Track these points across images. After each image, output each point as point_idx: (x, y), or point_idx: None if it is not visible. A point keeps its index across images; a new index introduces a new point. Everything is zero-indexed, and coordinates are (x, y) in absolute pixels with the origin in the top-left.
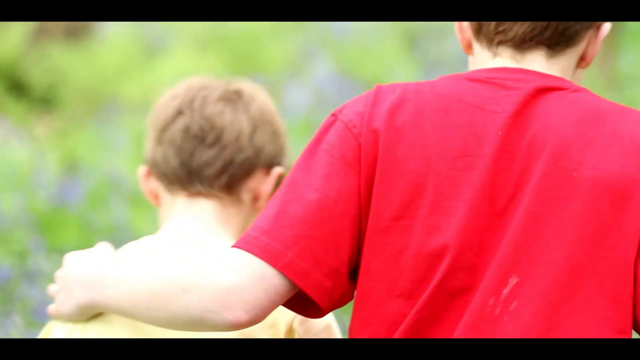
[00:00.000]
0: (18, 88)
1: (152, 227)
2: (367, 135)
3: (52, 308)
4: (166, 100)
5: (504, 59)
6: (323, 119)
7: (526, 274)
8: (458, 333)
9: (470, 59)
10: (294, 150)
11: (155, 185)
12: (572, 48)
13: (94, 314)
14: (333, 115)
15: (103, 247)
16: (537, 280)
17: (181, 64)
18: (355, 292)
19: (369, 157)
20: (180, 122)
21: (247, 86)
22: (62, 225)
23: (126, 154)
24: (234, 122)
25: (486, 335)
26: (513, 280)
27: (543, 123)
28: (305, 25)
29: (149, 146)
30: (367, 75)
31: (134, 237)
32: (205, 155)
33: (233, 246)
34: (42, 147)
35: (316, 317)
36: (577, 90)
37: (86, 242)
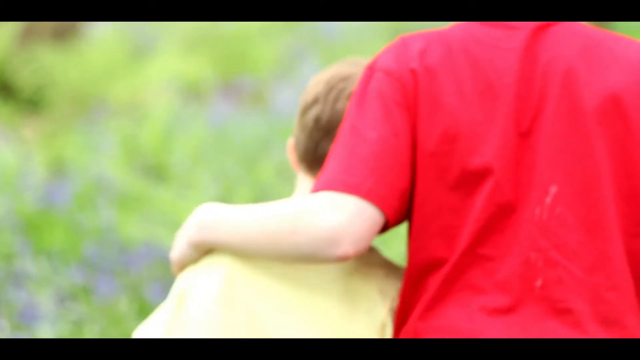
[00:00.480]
0: (5, 89)
1: (140, 230)
2: (406, 76)
3: (172, 259)
4: (313, 83)
5: None
6: None
7: (563, 183)
8: (517, 243)
9: None
10: (281, 150)
11: (294, 157)
12: None
13: (203, 252)
14: (370, 68)
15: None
16: (573, 186)
17: (169, 65)
18: (412, 210)
19: (411, 94)
20: (314, 111)
21: None
22: (49, 228)
23: (114, 156)
24: None
25: (541, 239)
26: (553, 190)
27: (552, 53)
28: (294, 26)
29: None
30: None
31: (122, 240)
32: (328, 147)
33: (321, 189)
34: (30, 149)
35: (378, 234)
36: (573, 23)
37: (73, 245)
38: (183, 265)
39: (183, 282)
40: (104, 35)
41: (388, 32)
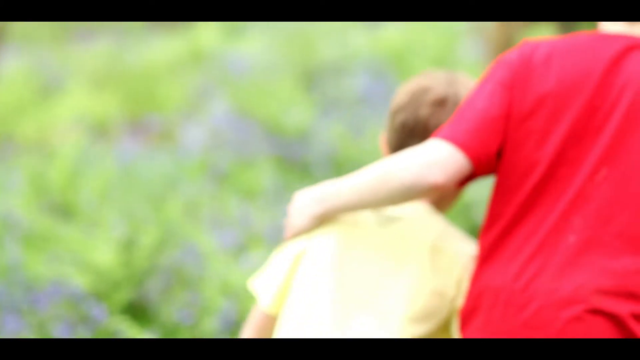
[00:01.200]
0: None
1: (47, 268)
2: (516, 64)
3: (286, 232)
4: (401, 92)
5: (619, 24)
6: (220, 158)
7: (613, 167)
8: (565, 198)
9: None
10: (188, 189)
11: (386, 149)
12: None
13: (319, 223)
14: (497, 60)
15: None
16: (620, 172)
17: (77, 103)
18: (500, 164)
19: (515, 82)
20: (400, 117)
21: (453, 94)
22: None
23: (21, 194)
24: (437, 124)
25: (582, 201)
26: (604, 171)
27: (631, 69)
28: (202, 64)
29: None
30: (264, 114)
31: (28, 279)
32: (412, 144)
33: (432, 137)
34: None
35: (468, 180)
36: None
37: None
38: (297, 234)
39: (297, 246)
40: (11, 72)
41: (296, 70)
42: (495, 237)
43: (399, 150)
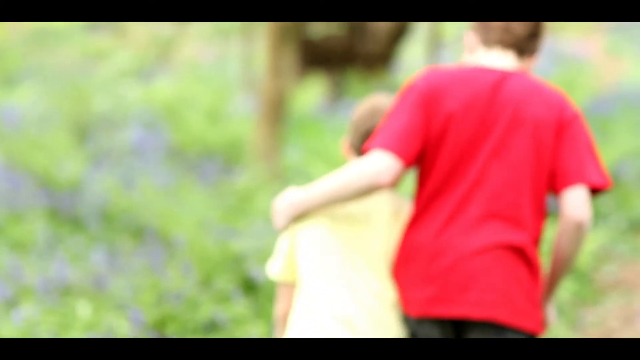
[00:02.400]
0: None
1: None
2: (425, 90)
3: (277, 226)
4: (363, 107)
5: (491, 54)
6: None
7: (500, 160)
8: (467, 181)
9: (467, 56)
10: None
11: (348, 150)
12: (525, 56)
13: (299, 220)
14: (408, 85)
15: (294, 188)
16: (505, 163)
17: None
18: (422, 161)
19: (428, 100)
20: (365, 126)
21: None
22: None
23: None
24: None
25: (479, 184)
26: (494, 163)
27: (510, 89)
28: None
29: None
30: (36, 166)
31: None
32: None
33: (370, 147)
34: None
35: (403, 171)
36: (526, 75)
37: None
38: (282, 231)
39: (290, 237)
40: None
41: (70, 122)
42: (419, 207)
43: (358, 149)
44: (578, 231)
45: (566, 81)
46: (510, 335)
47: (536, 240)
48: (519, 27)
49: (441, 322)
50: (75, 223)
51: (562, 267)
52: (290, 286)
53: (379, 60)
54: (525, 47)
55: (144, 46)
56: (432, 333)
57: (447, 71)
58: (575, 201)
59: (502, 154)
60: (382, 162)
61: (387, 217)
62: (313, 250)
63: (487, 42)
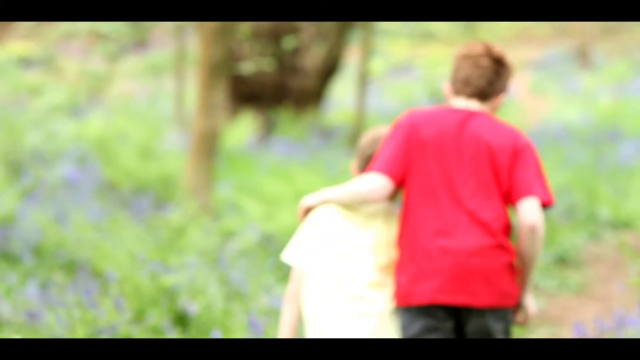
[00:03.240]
0: None
1: None
2: (408, 127)
3: (303, 205)
4: (367, 136)
5: (462, 101)
6: None
7: (471, 179)
8: (455, 196)
9: (449, 100)
10: None
11: (356, 170)
12: (489, 102)
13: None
14: (394, 124)
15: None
16: (479, 182)
17: None
18: (405, 187)
19: (410, 135)
20: (369, 151)
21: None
22: None
23: None
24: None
25: (465, 198)
26: (472, 181)
27: (474, 124)
28: None
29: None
30: None
31: None
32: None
33: (369, 170)
34: None
35: (394, 190)
36: (488, 114)
37: None
38: (308, 211)
39: (310, 216)
40: None
41: (3, 158)
42: (411, 216)
43: (364, 169)
44: (533, 233)
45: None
46: (498, 314)
47: (508, 234)
48: (477, 81)
49: (444, 308)
50: (8, 258)
51: (528, 265)
52: (301, 269)
53: (310, 97)
54: (486, 93)
55: (76, 82)
56: (433, 318)
57: (424, 112)
58: (527, 209)
59: (470, 175)
60: (376, 182)
61: (382, 214)
62: (311, 237)
63: (455, 92)
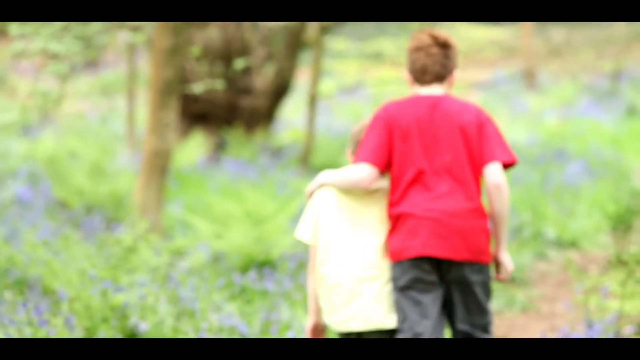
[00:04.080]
0: None
1: None
2: (385, 117)
3: (309, 190)
4: (358, 126)
5: (423, 88)
6: None
7: (447, 153)
8: (432, 168)
9: (411, 88)
10: None
11: (350, 155)
12: (446, 81)
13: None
14: (374, 115)
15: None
16: (455, 157)
17: None
18: (391, 168)
19: (388, 124)
20: (358, 137)
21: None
22: None
23: None
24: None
25: (443, 170)
26: (448, 156)
27: (442, 107)
28: None
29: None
30: None
31: None
32: None
33: (356, 161)
34: None
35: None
36: (448, 95)
37: None
38: (312, 193)
39: (314, 198)
40: None
41: None
42: (399, 190)
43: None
44: (499, 190)
45: None
46: (475, 267)
47: (480, 198)
48: (432, 67)
49: (429, 260)
50: None
51: (499, 223)
52: (312, 244)
53: (260, 117)
54: (442, 75)
55: (27, 101)
56: (420, 270)
57: (397, 102)
58: (492, 172)
59: (446, 149)
60: (363, 171)
61: (378, 193)
62: (325, 209)
63: (416, 80)
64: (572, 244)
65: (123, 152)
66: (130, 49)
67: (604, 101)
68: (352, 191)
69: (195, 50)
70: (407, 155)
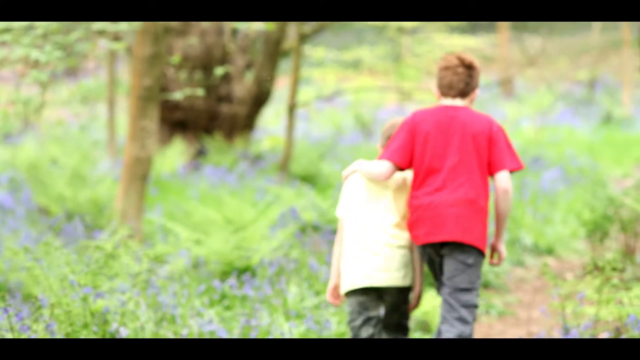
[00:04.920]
0: None
1: None
2: (412, 123)
3: (345, 174)
4: (389, 122)
5: (448, 101)
6: None
7: (461, 156)
8: (445, 167)
9: (438, 100)
10: None
11: (380, 149)
12: (468, 97)
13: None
14: (404, 120)
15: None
16: (464, 159)
17: None
18: (412, 165)
19: (413, 128)
20: (388, 134)
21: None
22: None
23: None
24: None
25: (450, 169)
26: (457, 157)
27: (459, 118)
28: None
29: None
30: None
31: None
32: None
33: (381, 158)
34: None
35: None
36: (467, 107)
37: None
38: (347, 177)
39: (348, 181)
40: None
41: None
42: (416, 184)
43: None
44: (505, 194)
45: None
46: (467, 250)
47: (486, 197)
48: (457, 85)
49: (433, 245)
50: None
51: (502, 220)
52: (342, 218)
53: (240, 125)
54: (465, 92)
55: (8, 109)
56: (430, 252)
57: (425, 110)
58: (500, 179)
59: (457, 152)
60: (383, 167)
61: (400, 180)
62: (347, 194)
63: (443, 94)
64: (549, 251)
65: (104, 160)
66: (111, 57)
67: (580, 109)
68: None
69: (176, 58)
70: (424, 155)
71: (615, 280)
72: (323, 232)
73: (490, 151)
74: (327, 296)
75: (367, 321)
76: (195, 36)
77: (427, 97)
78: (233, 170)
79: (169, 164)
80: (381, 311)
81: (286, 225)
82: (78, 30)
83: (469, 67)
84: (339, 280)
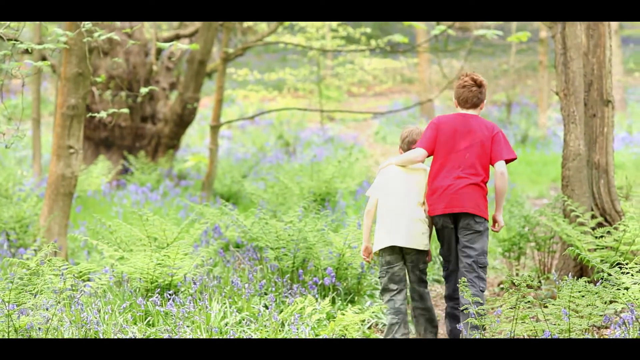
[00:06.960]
0: None
1: None
2: (437, 124)
3: (381, 166)
4: (406, 129)
5: (464, 110)
6: None
7: (470, 150)
8: (458, 158)
9: (456, 109)
10: None
11: (401, 151)
12: (478, 107)
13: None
14: (431, 122)
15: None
16: (473, 152)
17: None
18: (434, 156)
19: (437, 127)
20: (408, 140)
21: (417, 132)
22: None
23: None
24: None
25: (462, 159)
26: (467, 151)
27: (471, 123)
28: None
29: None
30: None
31: None
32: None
33: (416, 146)
34: None
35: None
36: (477, 115)
37: None
38: (382, 169)
39: (382, 171)
40: None
41: None
42: (435, 170)
43: (408, 148)
44: (502, 176)
45: (344, 168)
46: (477, 219)
47: (486, 181)
48: (471, 99)
49: (449, 215)
50: None
51: (500, 194)
52: (373, 197)
53: (165, 144)
54: (476, 104)
55: None
56: (446, 220)
57: (447, 115)
58: (499, 165)
59: (466, 150)
60: (419, 152)
61: (423, 170)
62: (383, 180)
63: (460, 105)
64: None
65: (29, 177)
66: (37, 76)
67: None
68: (406, 167)
69: (101, 77)
70: (442, 150)
71: (530, 297)
72: (245, 249)
73: (492, 147)
74: (361, 253)
75: (391, 278)
76: (120, 56)
77: (348, 116)
78: (157, 189)
79: (93, 182)
80: (406, 277)
81: (209, 243)
82: (4, 49)
83: (480, 86)
84: (368, 243)
